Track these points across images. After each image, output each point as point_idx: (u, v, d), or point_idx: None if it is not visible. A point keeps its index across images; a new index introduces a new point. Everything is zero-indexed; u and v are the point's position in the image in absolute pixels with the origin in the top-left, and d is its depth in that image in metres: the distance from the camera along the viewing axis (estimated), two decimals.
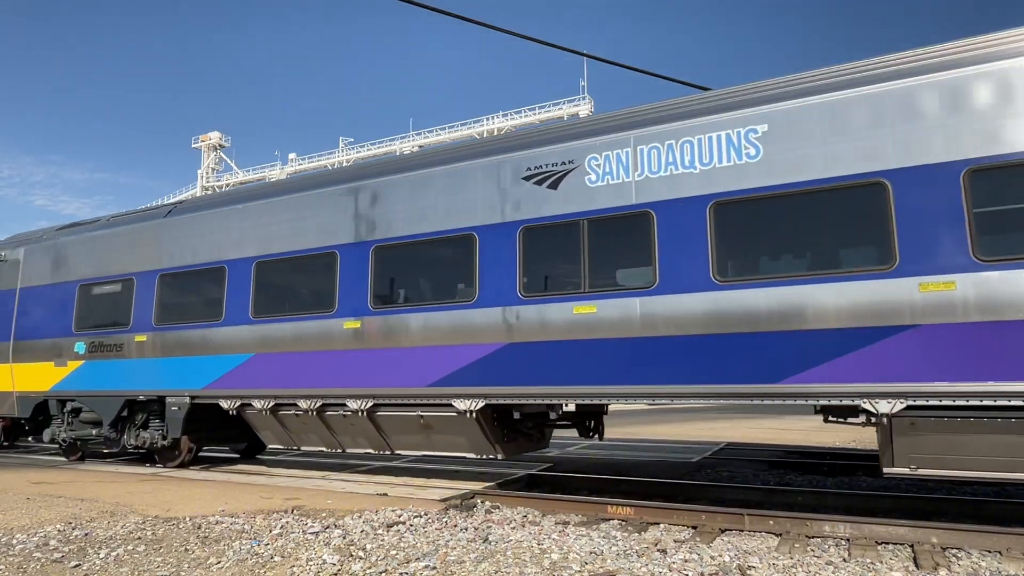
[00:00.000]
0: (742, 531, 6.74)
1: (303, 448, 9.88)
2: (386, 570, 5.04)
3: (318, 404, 9.17)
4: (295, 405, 9.41)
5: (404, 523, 6.55)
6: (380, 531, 6.23)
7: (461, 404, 8.07)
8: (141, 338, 10.90)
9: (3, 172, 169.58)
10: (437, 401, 8.30)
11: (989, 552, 5.79)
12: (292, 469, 11.08)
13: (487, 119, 58.30)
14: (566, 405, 8.19)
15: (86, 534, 6.28)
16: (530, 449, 9.18)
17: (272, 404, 9.59)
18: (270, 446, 10.07)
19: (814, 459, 11.07)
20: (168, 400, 10.54)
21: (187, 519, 6.81)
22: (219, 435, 11.35)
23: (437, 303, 8.38)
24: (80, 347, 11.62)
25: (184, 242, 10.73)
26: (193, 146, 75.83)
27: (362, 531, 6.23)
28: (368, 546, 5.68)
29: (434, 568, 5.09)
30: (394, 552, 5.50)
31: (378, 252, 8.90)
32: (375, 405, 8.73)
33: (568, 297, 7.53)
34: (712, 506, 7.25)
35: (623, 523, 7.18)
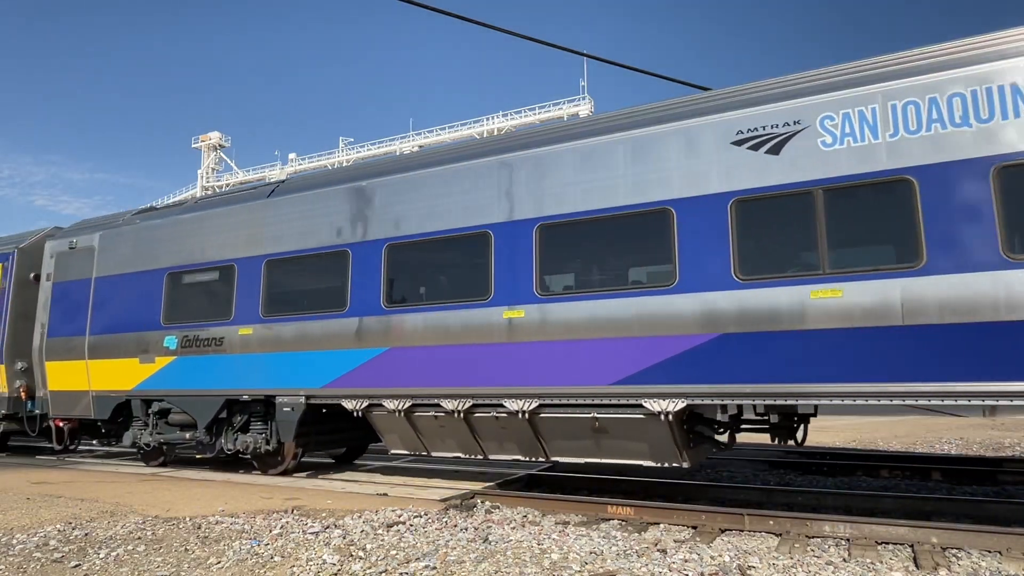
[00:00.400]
0: (742, 531, 6.73)
1: (433, 454, 8.76)
2: (386, 570, 5.04)
3: (466, 405, 8.08)
4: (436, 406, 8.33)
5: (404, 523, 6.55)
6: (380, 531, 6.23)
7: (654, 405, 7.06)
8: (246, 331, 9.77)
9: (3, 172, 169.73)
10: (621, 401, 7.29)
11: (989, 552, 5.79)
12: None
13: (487, 119, 58.27)
14: (802, 408, 7.30)
15: (86, 534, 6.28)
16: (708, 454, 8.23)
17: (408, 405, 8.46)
18: (392, 451, 8.94)
19: (814, 459, 11.07)
20: (279, 400, 9.44)
21: (187, 519, 6.81)
22: (324, 439, 10.38)
23: (622, 289, 7.37)
24: (171, 342, 10.51)
25: (295, 224, 9.62)
26: (193, 146, 75.79)
27: (362, 531, 6.23)
28: (368, 546, 5.68)
29: (434, 568, 5.09)
30: (394, 552, 5.50)
31: (545, 231, 7.84)
32: (540, 406, 7.68)
33: (802, 280, 6.51)
34: (712, 506, 7.25)
35: (623, 523, 7.18)
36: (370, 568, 5.08)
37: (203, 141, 74.66)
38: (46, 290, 12.27)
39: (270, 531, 6.28)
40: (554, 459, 7.98)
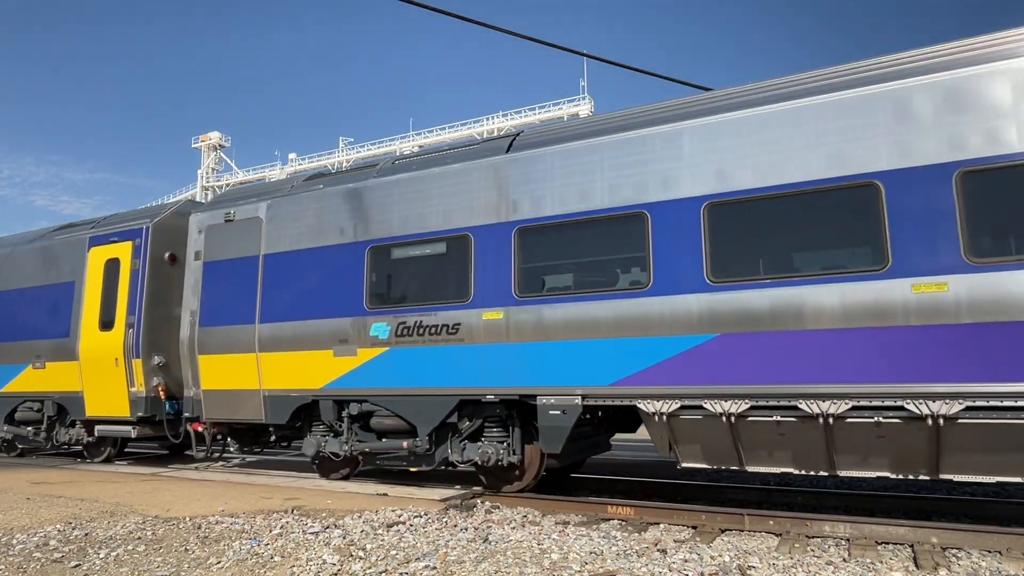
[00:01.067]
0: (742, 531, 6.74)
1: (748, 468, 6.81)
2: (386, 570, 5.04)
3: (843, 408, 6.15)
4: (786, 408, 6.44)
5: (404, 523, 6.55)
6: (380, 531, 6.23)
7: None
8: (492, 315, 7.92)
9: (4, 172, 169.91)
10: None
11: (989, 552, 5.79)
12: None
13: (487, 119, 58.31)
14: None
15: (86, 534, 6.28)
16: None
17: (745, 407, 6.55)
18: (684, 464, 7.09)
19: None
20: (542, 401, 7.51)
21: (187, 519, 6.81)
22: (572, 447, 8.27)
23: None
24: (381, 330, 8.60)
25: (561, 182, 7.74)
26: (193, 146, 75.83)
27: (362, 531, 6.23)
28: (368, 546, 5.68)
29: (434, 568, 5.09)
30: (394, 552, 5.50)
31: (972, 178, 5.90)
32: (967, 408, 5.76)
33: None
34: (712, 506, 7.25)
35: (623, 523, 7.18)
36: (370, 568, 5.08)
37: (203, 141, 74.70)
38: (195, 271, 10.28)
39: (270, 531, 6.28)
40: (958, 480, 6.08)
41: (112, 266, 11.44)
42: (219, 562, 5.34)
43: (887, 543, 6.17)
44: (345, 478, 9.46)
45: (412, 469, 8.83)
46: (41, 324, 12.24)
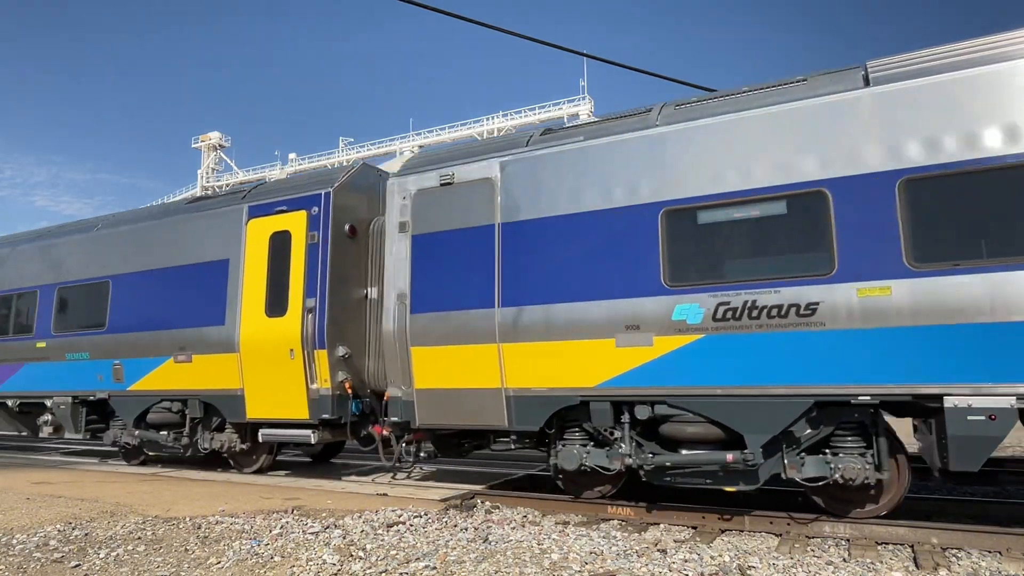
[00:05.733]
0: (742, 531, 6.74)
1: None
2: (386, 570, 5.04)
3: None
4: None
5: (404, 523, 6.55)
6: (380, 531, 6.23)
7: None
8: (873, 291, 6.18)
9: (5, 173, 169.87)
10: None
11: (989, 552, 5.79)
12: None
13: (487, 119, 58.34)
14: None
15: (86, 534, 6.28)
16: None
17: None
18: None
19: None
20: (956, 404, 5.76)
21: (187, 519, 6.81)
22: None
23: None
24: (689, 313, 6.88)
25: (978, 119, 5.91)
26: (193, 146, 75.89)
27: (362, 531, 6.23)
28: (368, 546, 5.68)
29: (434, 568, 5.09)
30: (394, 552, 5.50)
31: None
32: None
33: None
34: (712, 506, 7.25)
35: (623, 523, 7.18)
36: (370, 568, 5.08)
37: (203, 141, 74.76)
38: (400, 245, 8.52)
39: (270, 531, 6.28)
40: None
41: (280, 240, 9.60)
42: (219, 562, 5.35)
43: (887, 543, 6.17)
44: (603, 496, 7.87)
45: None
46: (185, 310, 10.32)
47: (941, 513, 7.20)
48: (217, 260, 10.15)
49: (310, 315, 9.13)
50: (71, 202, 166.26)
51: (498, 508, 7.82)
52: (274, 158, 73.61)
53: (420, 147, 57.93)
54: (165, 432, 10.57)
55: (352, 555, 5.44)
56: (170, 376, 10.37)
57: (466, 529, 6.37)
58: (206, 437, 10.30)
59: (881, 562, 5.50)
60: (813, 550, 6.00)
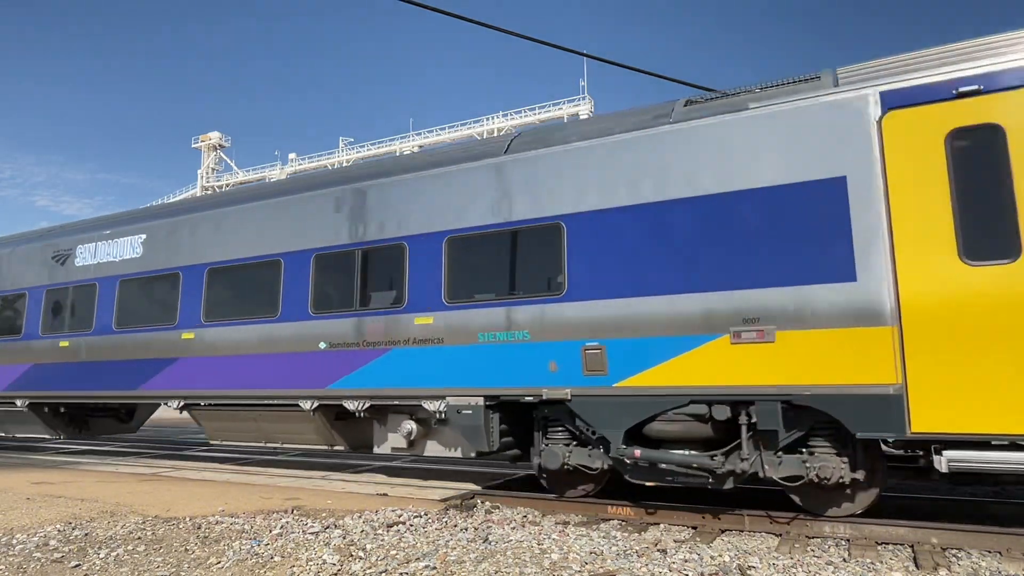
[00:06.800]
0: (742, 531, 6.73)
1: None
2: (386, 570, 5.04)
3: None
4: None
5: (404, 523, 6.55)
6: (380, 531, 6.23)
7: None
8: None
9: (5, 173, 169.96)
10: None
11: (989, 552, 5.79)
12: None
13: (487, 119, 58.34)
14: None
15: (86, 534, 6.28)
16: None
17: None
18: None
19: None
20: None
21: (187, 519, 6.81)
22: None
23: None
24: None
25: None
26: (193, 146, 75.85)
27: (362, 531, 6.23)
28: (368, 546, 5.69)
29: (434, 568, 5.09)
30: (394, 552, 5.50)
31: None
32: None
33: None
34: (712, 506, 7.25)
35: (623, 523, 7.18)
36: (370, 568, 5.08)
37: (203, 141, 74.74)
38: None
39: (270, 531, 6.28)
40: None
41: (975, 140, 6.03)
42: (219, 562, 5.35)
43: (887, 543, 6.17)
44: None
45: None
46: (754, 263, 6.65)
47: (941, 513, 7.20)
48: (816, 180, 6.54)
49: None
50: (72, 202, 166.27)
51: (498, 508, 7.81)
52: (274, 158, 73.69)
53: (420, 147, 57.95)
54: (691, 451, 7.02)
55: (352, 555, 5.44)
56: (715, 364, 6.75)
57: (466, 529, 6.37)
58: (771, 459, 6.70)
59: (881, 562, 5.50)
60: (813, 550, 6.00)
